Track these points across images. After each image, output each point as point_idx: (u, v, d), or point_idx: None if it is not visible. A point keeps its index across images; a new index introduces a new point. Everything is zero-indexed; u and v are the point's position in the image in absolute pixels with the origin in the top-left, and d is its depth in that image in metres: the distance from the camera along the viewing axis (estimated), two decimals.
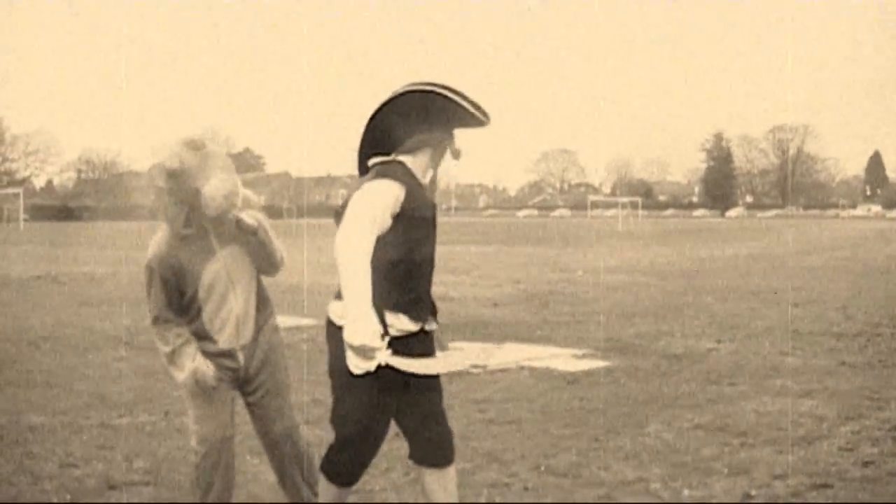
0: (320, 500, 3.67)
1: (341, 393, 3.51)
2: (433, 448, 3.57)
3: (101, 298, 14.31)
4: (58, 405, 6.75)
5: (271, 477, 4.29)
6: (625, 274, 19.33)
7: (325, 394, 3.60)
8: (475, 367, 8.02)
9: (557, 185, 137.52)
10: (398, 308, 3.40)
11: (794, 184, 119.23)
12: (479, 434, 5.89)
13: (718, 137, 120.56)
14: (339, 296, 3.47)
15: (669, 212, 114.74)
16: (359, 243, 3.20)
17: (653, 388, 7.35)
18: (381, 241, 3.29)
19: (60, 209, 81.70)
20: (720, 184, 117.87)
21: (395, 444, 4.92)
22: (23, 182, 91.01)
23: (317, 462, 3.85)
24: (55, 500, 4.63)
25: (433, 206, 3.59)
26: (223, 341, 3.85)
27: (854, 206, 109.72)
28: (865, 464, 5.17)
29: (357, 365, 3.22)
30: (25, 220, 64.88)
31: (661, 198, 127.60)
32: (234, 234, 3.82)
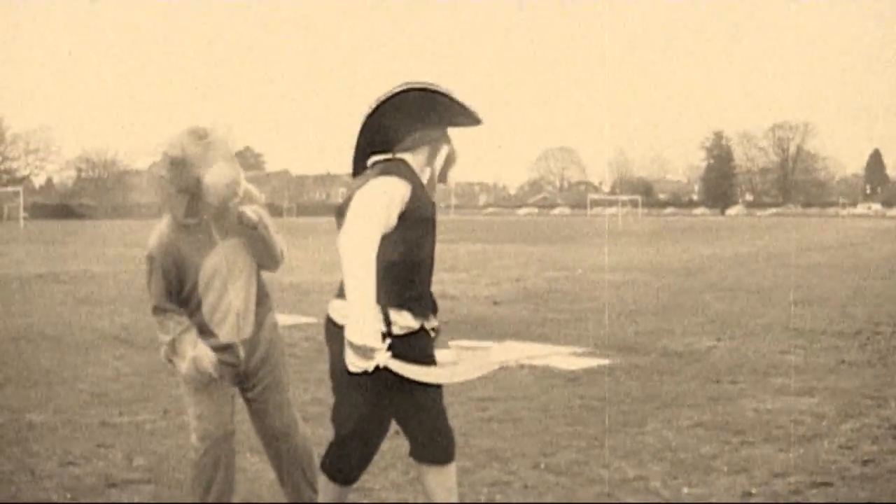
0: (320, 498, 3.67)
1: (342, 391, 3.51)
2: (433, 446, 3.57)
3: (101, 297, 14.32)
4: (58, 403, 6.75)
5: (271, 475, 4.29)
6: (625, 272, 19.33)
7: (325, 392, 3.61)
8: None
9: (557, 184, 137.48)
10: (402, 305, 3.41)
11: (794, 182, 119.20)
12: (479, 432, 5.89)
13: (718, 136, 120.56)
14: (340, 294, 3.48)
15: (669, 210, 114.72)
16: (364, 242, 3.21)
17: (653, 386, 7.35)
18: (385, 239, 3.30)
19: (60, 207, 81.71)
20: (720, 182, 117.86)
21: (395, 443, 4.92)
22: (23, 180, 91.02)
23: (316, 460, 3.85)
24: (55, 499, 4.63)
25: (433, 204, 3.61)
26: (223, 335, 3.85)
27: (854, 205, 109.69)
28: (865, 462, 5.17)
29: (355, 364, 3.23)
30: (25, 218, 64.92)
31: (661, 196, 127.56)
32: (235, 226, 3.83)
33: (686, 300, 13.83)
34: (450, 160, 3.64)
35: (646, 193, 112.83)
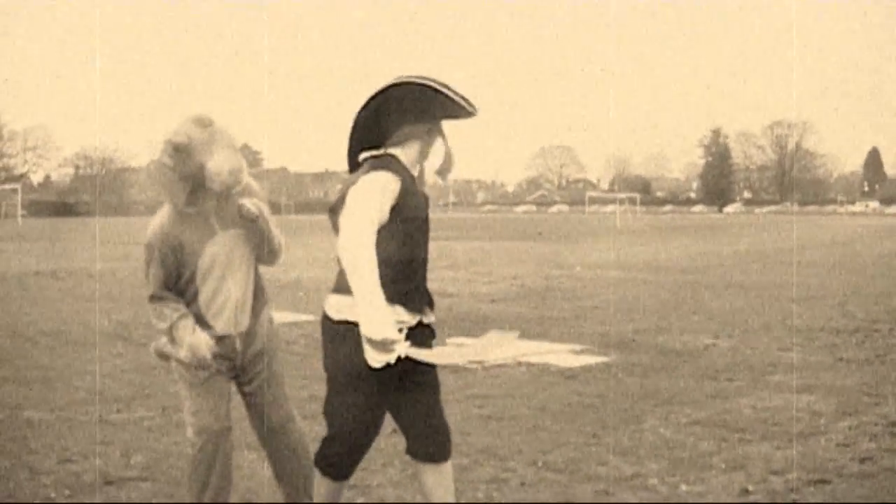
0: (315, 494, 3.67)
1: (337, 388, 3.52)
2: (430, 443, 3.57)
3: (99, 294, 14.30)
4: (56, 401, 6.75)
5: (268, 472, 4.29)
6: (623, 270, 19.33)
7: (322, 390, 3.61)
8: (472, 362, 8.01)
9: (555, 181, 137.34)
10: (396, 300, 3.41)
11: (792, 180, 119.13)
12: (477, 430, 5.89)
13: (716, 133, 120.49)
14: (336, 290, 3.48)
15: (667, 208, 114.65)
16: (363, 239, 3.23)
17: (650, 383, 7.36)
18: (378, 234, 3.31)
19: (58, 205, 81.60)
20: (718, 180, 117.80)
21: (392, 440, 4.93)
22: (21, 178, 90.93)
23: (311, 456, 3.85)
24: (53, 496, 4.63)
25: (426, 198, 3.61)
26: (220, 327, 3.85)
27: (852, 203, 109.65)
28: (863, 459, 5.18)
29: (376, 358, 3.25)
30: (23, 215, 64.89)
31: (659, 194, 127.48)
32: (235, 218, 3.83)
33: (684, 298, 13.84)
34: (448, 160, 3.64)
35: (644, 191, 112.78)
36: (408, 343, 3.29)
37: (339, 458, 3.57)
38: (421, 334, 3.51)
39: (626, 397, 6.84)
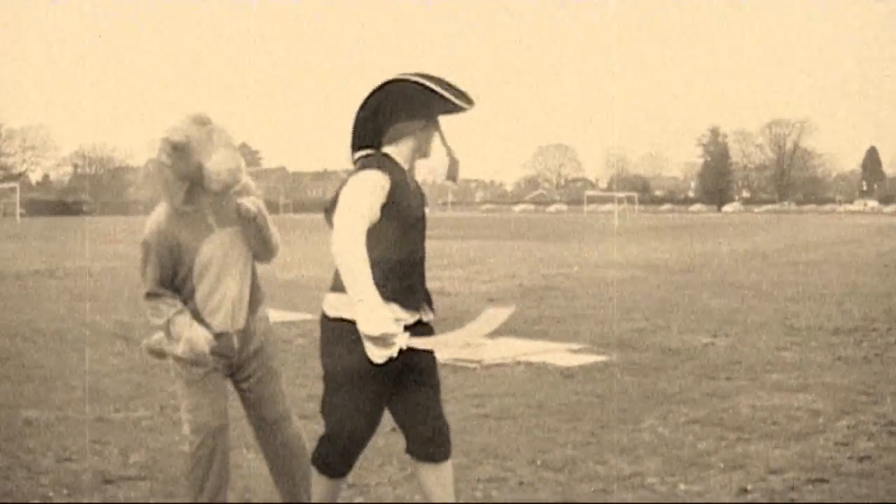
0: (312, 491, 3.68)
1: (332, 385, 3.52)
2: (429, 443, 3.58)
3: (98, 293, 14.30)
4: (54, 400, 6.75)
5: (267, 470, 4.28)
6: (621, 269, 19.34)
7: (321, 389, 3.61)
8: (471, 361, 8.02)
9: (554, 180, 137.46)
10: (390, 298, 3.41)
11: (790, 179, 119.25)
12: (475, 429, 5.89)
13: (715, 132, 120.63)
14: (333, 288, 3.49)
15: (666, 207, 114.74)
16: (354, 237, 3.25)
17: (649, 382, 7.36)
18: (371, 232, 3.33)
19: (57, 204, 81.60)
20: (717, 179, 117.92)
21: (391, 439, 4.93)
22: (19, 177, 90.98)
23: (308, 454, 3.85)
24: (51, 495, 4.63)
25: (421, 195, 3.61)
26: (217, 324, 3.84)
27: (850, 202, 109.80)
28: (861, 458, 5.18)
29: (378, 354, 3.26)
30: (22, 214, 64.88)
31: (658, 193, 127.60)
32: (232, 215, 3.83)
33: (682, 297, 13.84)
34: (453, 162, 3.62)
35: (642, 190, 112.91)
36: (407, 334, 3.30)
37: (337, 456, 3.57)
38: (420, 333, 3.51)
39: (624, 396, 6.84)
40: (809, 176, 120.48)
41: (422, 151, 3.57)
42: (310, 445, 3.93)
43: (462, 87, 3.51)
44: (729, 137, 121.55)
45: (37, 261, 21.55)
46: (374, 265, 3.31)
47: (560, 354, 8.67)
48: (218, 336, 3.84)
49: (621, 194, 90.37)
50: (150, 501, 4.55)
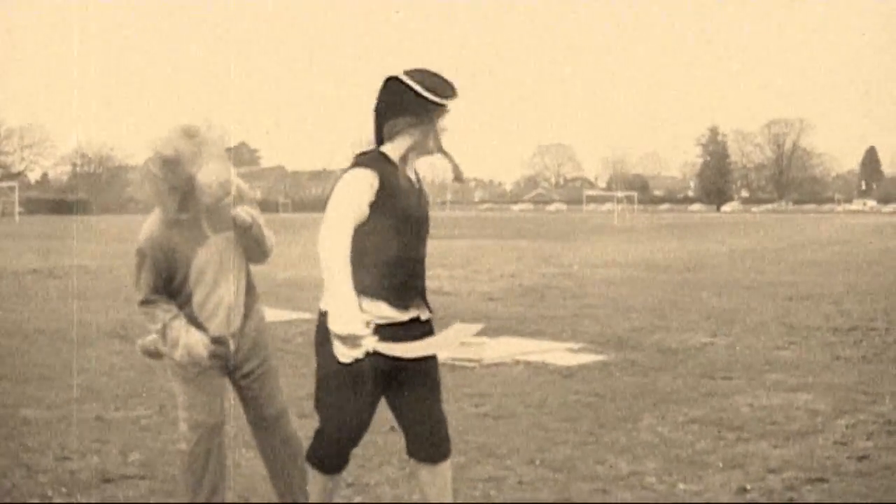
0: (309, 489, 3.68)
1: (325, 381, 3.53)
2: (427, 443, 3.58)
3: (97, 292, 14.30)
4: (53, 398, 6.75)
5: (265, 469, 4.28)
6: (620, 268, 19.34)
7: None
8: (470, 360, 8.02)
9: (553, 180, 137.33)
10: (378, 295, 3.42)
11: (789, 178, 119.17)
12: (474, 428, 5.89)
13: (714, 132, 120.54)
14: None
15: (665, 206, 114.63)
16: (335, 234, 3.30)
17: (648, 382, 7.36)
18: (360, 229, 3.35)
19: (56, 203, 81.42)
20: (716, 178, 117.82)
21: (390, 438, 4.94)
22: (18, 175, 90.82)
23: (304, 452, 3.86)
24: (50, 494, 4.63)
25: (420, 194, 3.57)
26: (214, 328, 3.85)
27: (850, 201, 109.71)
28: (860, 458, 5.18)
29: (345, 353, 3.29)
30: (21, 213, 64.78)
31: (657, 192, 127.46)
32: (226, 221, 3.84)
33: (681, 296, 13.84)
34: (455, 167, 3.61)
35: (641, 190, 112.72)
36: (375, 338, 3.30)
37: (330, 452, 3.58)
38: (419, 331, 3.52)
39: (623, 396, 6.84)
40: (808, 175, 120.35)
41: (420, 149, 3.55)
42: (307, 444, 3.94)
43: (449, 81, 3.49)
44: (728, 137, 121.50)
45: (35, 259, 21.53)
46: (363, 262, 3.35)
47: (559, 354, 8.67)
48: (215, 339, 3.85)
49: (620, 194, 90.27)
50: (150, 500, 4.55)
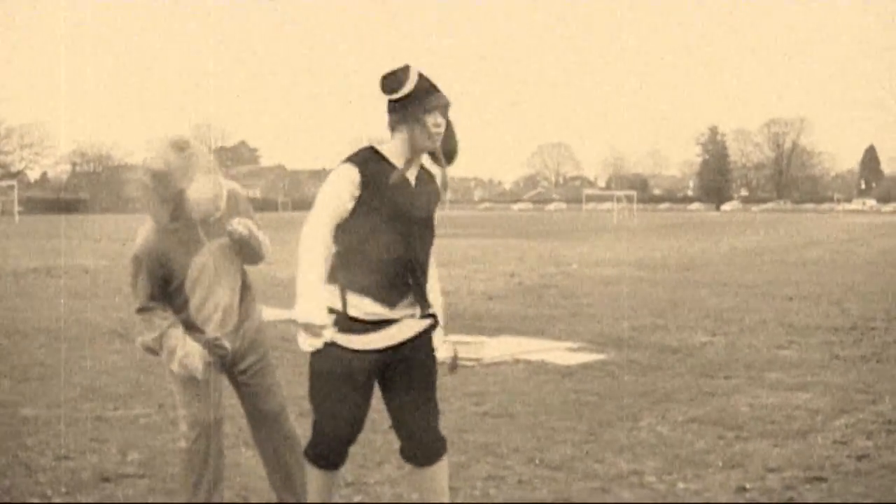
0: (308, 486, 3.68)
1: (316, 376, 3.54)
2: (416, 446, 3.61)
3: (96, 291, 14.30)
4: (52, 397, 6.74)
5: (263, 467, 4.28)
6: (620, 267, 19.34)
7: None
8: (470, 359, 8.02)
9: (552, 179, 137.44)
10: (363, 291, 3.43)
11: (789, 178, 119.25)
12: (474, 427, 5.89)
13: (713, 131, 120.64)
14: (334, 284, 3.50)
15: (664, 205, 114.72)
16: (311, 228, 3.38)
17: (647, 381, 7.36)
18: (346, 225, 3.41)
19: (55, 202, 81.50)
20: (715, 177, 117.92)
21: (389, 437, 4.93)
22: (17, 174, 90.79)
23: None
24: (49, 493, 4.63)
25: (416, 192, 3.53)
26: (210, 331, 3.87)
27: (849, 200, 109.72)
28: (860, 457, 5.18)
29: (303, 341, 3.40)
30: (20, 212, 64.78)
31: (657, 191, 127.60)
32: (221, 227, 3.85)
33: (681, 295, 13.84)
34: (440, 148, 3.58)
35: (641, 189, 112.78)
36: (332, 329, 3.37)
37: (326, 448, 3.59)
38: (404, 328, 3.53)
39: (622, 395, 6.84)
40: (808, 175, 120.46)
41: (414, 146, 3.51)
42: (306, 443, 3.94)
43: (431, 84, 3.48)
44: (727, 136, 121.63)
45: (35, 259, 21.54)
46: (349, 257, 3.42)
47: (559, 353, 8.67)
48: (212, 344, 3.87)
49: (620, 193, 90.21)
50: (149, 499, 4.54)
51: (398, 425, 3.64)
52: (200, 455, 3.90)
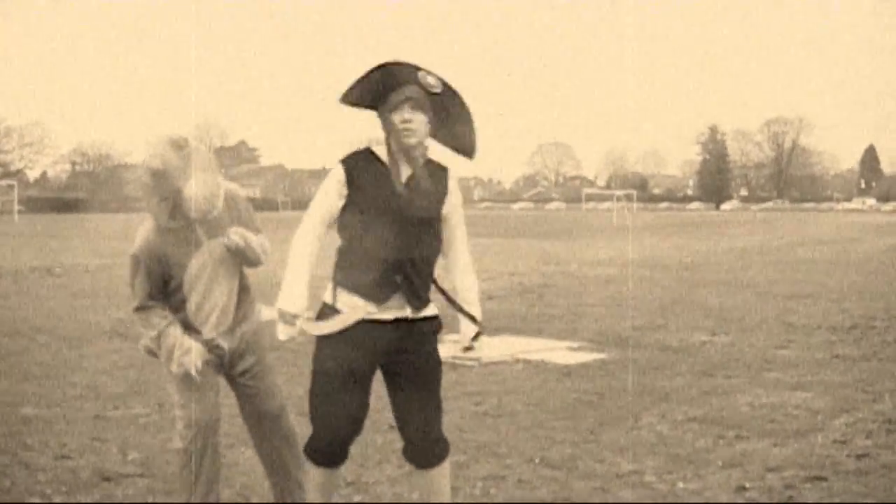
0: (309, 487, 3.68)
1: (317, 373, 3.55)
2: (414, 448, 3.61)
3: (96, 290, 14.29)
4: (52, 397, 6.74)
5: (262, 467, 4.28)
6: (619, 267, 19.33)
7: None
8: (470, 359, 8.01)
9: (552, 178, 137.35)
10: (353, 289, 3.46)
11: (788, 177, 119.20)
12: (474, 427, 5.89)
13: (713, 130, 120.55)
14: (331, 279, 3.52)
15: (664, 205, 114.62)
16: (303, 225, 3.51)
17: (647, 380, 7.36)
18: (339, 222, 3.49)
19: (55, 201, 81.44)
20: (715, 177, 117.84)
21: (389, 437, 4.94)
22: (17, 174, 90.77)
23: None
24: (49, 492, 4.63)
25: (413, 191, 3.50)
26: (208, 331, 3.87)
27: (849, 200, 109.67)
28: (859, 456, 5.18)
29: (279, 329, 3.47)
30: (20, 211, 64.72)
31: (656, 191, 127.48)
32: (220, 226, 3.85)
33: (681, 295, 13.84)
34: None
35: (641, 188, 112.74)
36: (305, 317, 3.46)
37: (325, 445, 3.59)
38: (418, 330, 3.54)
39: (623, 394, 6.84)
40: (808, 174, 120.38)
41: (397, 145, 3.49)
42: (304, 443, 3.94)
43: (387, 69, 3.50)
44: (727, 136, 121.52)
45: (35, 258, 21.53)
46: (342, 255, 3.51)
47: (559, 352, 8.67)
48: (210, 345, 3.87)
49: (620, 192, 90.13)
50: (149, 499, 4.54)
51: (401, 425, 3.64)
52: (196, 455, 3.90)
